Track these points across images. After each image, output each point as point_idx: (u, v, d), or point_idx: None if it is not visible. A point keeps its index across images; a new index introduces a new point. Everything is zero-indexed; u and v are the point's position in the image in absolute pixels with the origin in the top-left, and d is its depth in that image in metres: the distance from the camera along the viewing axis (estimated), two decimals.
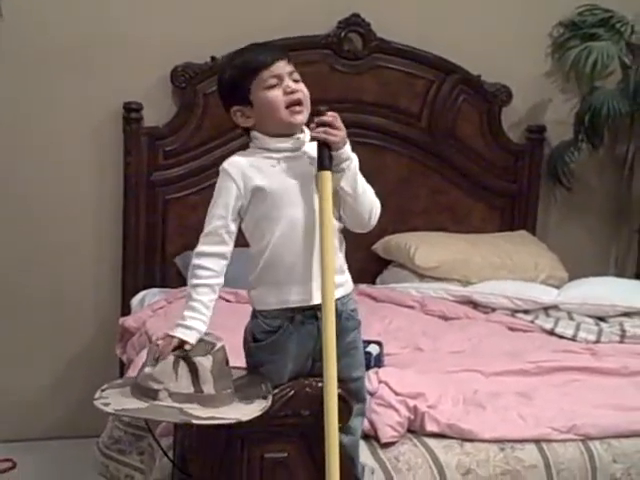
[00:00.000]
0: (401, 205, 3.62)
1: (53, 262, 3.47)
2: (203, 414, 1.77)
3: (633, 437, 2.19)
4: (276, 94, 1.89)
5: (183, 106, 3.46)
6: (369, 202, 1.95)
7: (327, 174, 1.88)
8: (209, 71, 3.45)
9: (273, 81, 1.89)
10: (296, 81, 1.92)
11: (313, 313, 1.90)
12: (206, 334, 1.87)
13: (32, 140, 3.39)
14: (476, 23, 3.71)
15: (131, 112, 3.40)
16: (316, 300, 1.89)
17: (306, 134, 1.94)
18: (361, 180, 1.94)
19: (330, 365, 1.81)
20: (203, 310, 1.87)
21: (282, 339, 1.91)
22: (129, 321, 3.03)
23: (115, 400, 1.82)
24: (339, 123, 1.89)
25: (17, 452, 3.29)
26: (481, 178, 3.78)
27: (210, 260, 1.93)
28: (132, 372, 2.48)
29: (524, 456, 2.10)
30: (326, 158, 1.88)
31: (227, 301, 3.10)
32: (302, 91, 1.91)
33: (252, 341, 1.94)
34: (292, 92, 1.89)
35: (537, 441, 2.14)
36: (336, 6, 3.54)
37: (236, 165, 1.92)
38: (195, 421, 1.76)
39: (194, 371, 1.80)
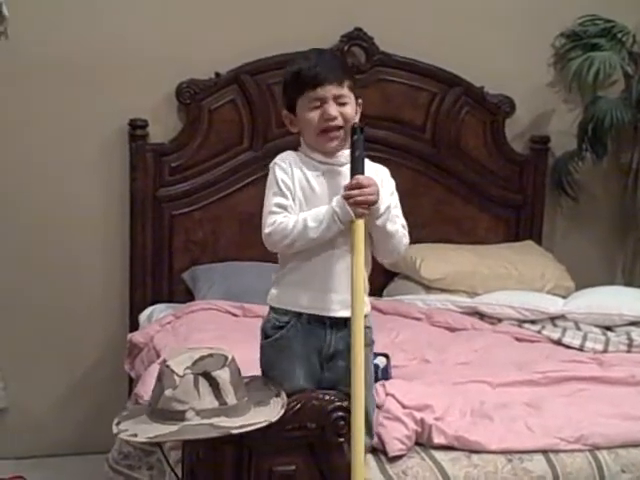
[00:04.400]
0: (406, 217, 3.57)
1: (60, 279, 3.48)
2: (234, 424, 1.80)
3: None
4: (313, 117, 1.91)
5: (188, 122, 3.49)
6: (397, 242, 1.99)
7: None
8: (213, 87, 3.48)
9: (315, 103, 1.91)
10: (342, 104, 1.92)
11: (320, 317, 1.94)
12: (211, 348, 1.90)
13: (38, 157, 3.41)
14: (478, 35, 3.72)
15: (137, 129, 3.42)
16: (328, 312, 1.93)
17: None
18: (391, 224, 1.96)
19: (358, 387, 1.83)
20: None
21: (288, 335, 1.94)
22: (137, 337, 3.04)
23: (138, 429, 1.83)
24: (368, 182, 1.88)
25: (27, 469, 3.30)
26: (486, 189, 3.79)
27: (282, 219, 1.92)
28: (141, 388, 2.49)
29: (532, 467, 2.09)
30: (360, 170, 1.90)
31: (234, 315, 3.11)
32: (343, 115, 1.91)
33: (263, 338, 1.99)
34: (329, 119, 1.90)
35: (545, 452, 2.13)
36: (339, 21, 3.56)
37: (287, 160, 1.95)
38: (233, 431, 1.78)
39: (215, 385, 1.82)
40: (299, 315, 1.95)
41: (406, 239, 2.03)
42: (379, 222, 1.93)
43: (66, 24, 3.36)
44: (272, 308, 2.00)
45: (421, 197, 3.68)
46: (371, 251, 2.01)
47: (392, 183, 2.06)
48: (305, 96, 1.91)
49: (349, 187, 1.87)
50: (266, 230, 1.92)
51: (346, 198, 1.87)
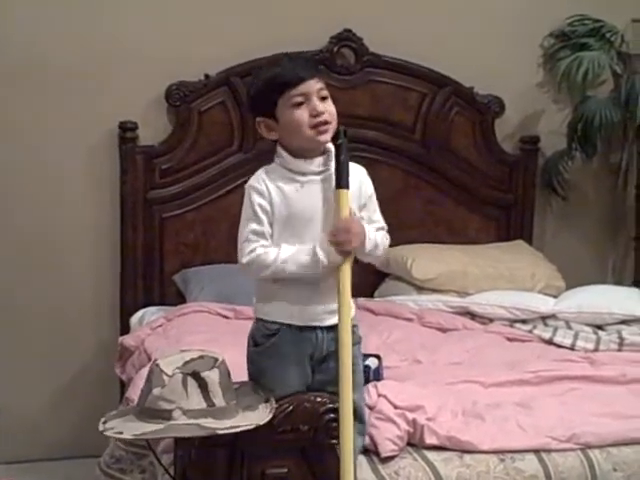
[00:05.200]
0: (396, 218, 3.59)
1: (50, 281, 3.47)
2: (221, 425, 1.79)
3: (633, 445, 2.19)
4: (301, 114, 1.88)
5: (178, 124, 3.48)
6: (380, 252, 2.00)
7: (345, 192, 1.89)
8: (203, 89, 3.48)
9: (299, 99, 1.89)
10: (324, 98, 1.91)
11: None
12: (203, 350, 1.89)
13: (28, 160, 3.40)
14: (467, 36, 3.73)
15: (126, 131, 3.42)
16: (320, 322, 1.93)
17: (331, 154, 1.94)
18: (378, 246, 1.97)
19: (346, 389, 1.83)
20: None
21: (280, 342, 1.93)
22: (128, 340, 3.03)
23: (125, 427, 1.83)
24: (354, 226, 1.88)
25: (18, 473, 3.29)
26: (476, 189, 3.80)
27: (260, 249, 1.92)
28: (132, 391, 2.49)
29: (524, 466, 2.10)
30: (344, 177, 1.89)
31: (225, 317, 3.11)
32: (328, 111, 1.90)
33: (253, 346, 1.98)
34: (318, 114, 1.88)
35: (537, 451, 2.13)
36: (328, 22, 3.56)
37: (262, 180, 1.92)
38: (220, 432, 1.78)
39: (204, 386, 1.82)
40: (289, 324, 1.94)
41: (387, 241, 2.02)
42: (365, 253, 1.95)
43: (55, 26, 3.36)
44: (260, 319, 1.98)
45: (411, 198, 3.68)
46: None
47: (370, 184, 2.03)
48: (286, 95, 1.88)
49: (335, 231, 1.86)
50: (243, 260, 1.91)
51: (333, 242, 1.85)
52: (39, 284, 3.47)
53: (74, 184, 3.46)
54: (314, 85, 1.90)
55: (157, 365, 1.85)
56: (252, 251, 1.90)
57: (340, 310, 1.87)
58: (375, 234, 1.98)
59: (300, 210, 1.90)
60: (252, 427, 1.80)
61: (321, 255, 1.87)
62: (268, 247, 1.90)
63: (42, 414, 3.52)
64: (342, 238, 1.86)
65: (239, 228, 1.94)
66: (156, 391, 1.81)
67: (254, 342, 1.98)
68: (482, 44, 3.74)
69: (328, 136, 1.91)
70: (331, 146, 1.94)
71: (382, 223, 2.04)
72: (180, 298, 3.39)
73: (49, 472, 3.38)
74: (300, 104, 1.89)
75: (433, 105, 3.71)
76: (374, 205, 2.03)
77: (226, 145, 3.55)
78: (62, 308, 3.50)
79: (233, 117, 3.52)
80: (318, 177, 1.93)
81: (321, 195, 1.91)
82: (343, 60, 3.61)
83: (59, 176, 3.44)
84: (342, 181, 1.89)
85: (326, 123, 1.90)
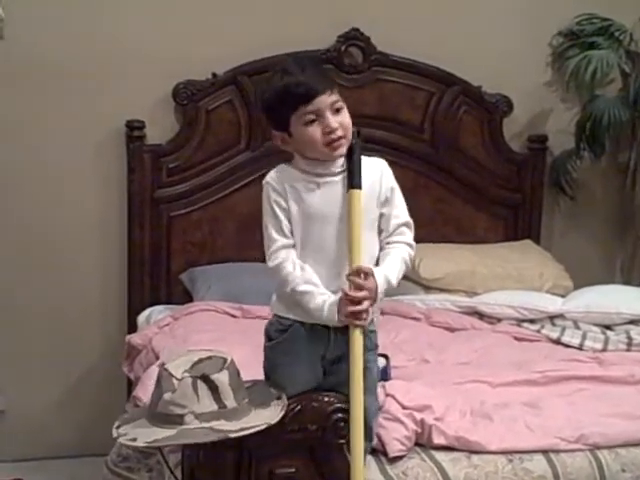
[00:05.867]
0: None
1: (58, 281, 3.48)
2: (233, 427, 1.79)
3: None
4: (314, 131, 1.85)
5: (185, 123, 3.48)
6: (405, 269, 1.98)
7: (357, 193, 1.87)
8: (211, 88, 3.48)
9: (312, 117, 1.85)
10: (338, 110, 1.87)
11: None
12: (211, 350, 1.89)
13: (36, 159, 3.40)
14: (475, 34, 3.72)
15: (134, 130, 3.42)
16: (335, 324, 1.90)
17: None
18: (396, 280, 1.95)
19: (357, 390, 1.83)
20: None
21: (291, 338, 1.93)
22: (135, 338, 3.03)
23: (138, 433, 1.82)
24: (360, 294, 1.84)
25: (26, 472, 3.29)
26: (484, 189, 3.79)
27: (289, 266, 1.90)
28: (140, 390, 2.48)
29: (532, 467, 2.09)
30: (356, 176, 1.87)
31: (232, 316, 3.10)
32: (342, 124, 1.86)
33: (267, 340, 1.98)
34: (331, 131, 1.85)
35: (545, 451, 2.12)
36: (336, 21, 3.56)
37: (279, 178, 1.91)
38: (232, 435, 1.77)
39: (214, 388, 1.81)
40: (302, 321, 1.93)
41: (412, 252, 1.98)
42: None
43: (63, 25, 3.36)
44: (276, 314, 1.99)
45: (419, 197, 3.67)
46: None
47: (391, 176, 1.99)
48: (299, 111, 1.84)
49: (345, 303, 1.84)
50: (270, 264, 1.91)
51: (343, 314, 1.84)
52: (46, 283, 3.47)
53: (81, 183, 3.46)
54: (326, 100, 1.85)
55: (166, 369, 1.84)
56: (278, 259, 1.90)
57: (351, 373, 1.85)
58: (397, 272, 1.93)
59: (318, 210, 1.89)
60: (264, 427, 1.79)
61: (327, 317, 1.87)
62: (294, 265, 1.88)
63: (49, 413, 3.52)
64: (351, 310, 1.84)
65: (263, 220, 1.94)
66: (167, 396, 1.81)
67: (268, 337, 1.99)
68: (490, 43, 3.73)
69: (343, 150, 1.88)
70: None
71: (405, 218, 1.99)
72: (187, 297, 3.39)
73: (56, 471, 3.38)
74: (313, 121, 1.85)
75: (441, 104, 3.70)
76: (397, 199, 1.99)
77: (234, 144, 3.54)
78: (69, 306, 3.50)
79: (241, 116, 3.52)
80: (336, 178, 1.91)
81: (335, 196, 1.90)
82: (350, 59, 3.60)
83: (67, 175, 3.44)
84: (355, 181, 1.87)
85: (340, 138, 1.86)
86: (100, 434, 2.07)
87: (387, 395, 2.22)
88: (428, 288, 3.41)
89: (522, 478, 2.07)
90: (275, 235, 1.90)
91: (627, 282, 3.88)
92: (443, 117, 3.70)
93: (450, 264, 3.43)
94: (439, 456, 2.08)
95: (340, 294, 1.86)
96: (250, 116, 3.50)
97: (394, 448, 2.06)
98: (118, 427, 1.87)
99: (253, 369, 2.01)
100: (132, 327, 3.38)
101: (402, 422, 2.11)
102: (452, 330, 3.09)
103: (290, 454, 1.92)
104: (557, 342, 2.99)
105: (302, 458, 1.92)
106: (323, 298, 1.88)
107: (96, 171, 3.47)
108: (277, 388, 1.94)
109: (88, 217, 3.48)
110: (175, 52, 3.43)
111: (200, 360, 1.87)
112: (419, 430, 2.12)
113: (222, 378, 1.82)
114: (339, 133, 1.86)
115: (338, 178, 1.91)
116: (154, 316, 3.27)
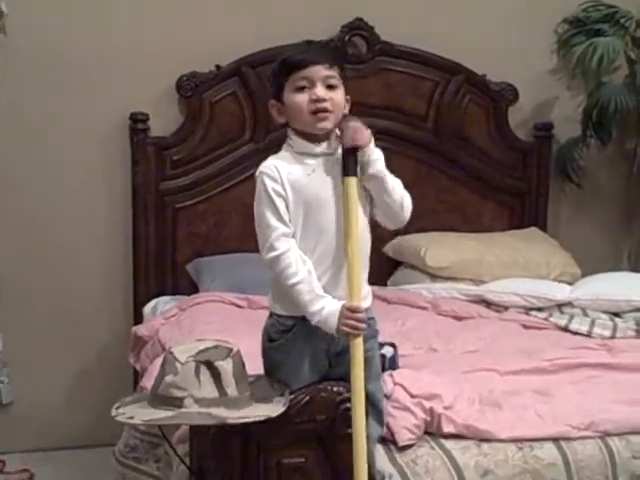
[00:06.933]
0: None
1: (64, 273, 3.48)
2: (232, 415, 1.78)
3: None
4: (302, 98, 1.85)
5: (189, 115, 3.47)
6: (399, 196, 1.93)
7: (352, 180, 1.85)
8: (214, 79, 3.47)
9: (303, 83, 1.85)
10: (331, 87, 1.86)
11: None
12: (218, 340, 1.88)
13: (40, 152, 3.40)
14: (480, 23, 3.70)
15: (138, 122, 3.41)
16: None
17: (336, 137, 1.89)
18: (389, 177, 1.91)
19: (357, 383, 1.82)
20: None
21: (295, 337, 1.91)
22: (142, 329, 3.03)
23: (137, 413, 1.82)
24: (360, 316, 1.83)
25: (34, 462, 3.31)
26: (490, 177, 3.77)
27: (290, 256, 1.86)
28: (146, 380, 2.48)
29: (543, 455, 2.08)
30: (351, 163, 1.85)
31: (238, 307, 3.10)
32: (332, 99, 1.86)
33: (268, 341, 1.95)
34: (317, 100, 1.84)
35: (555, 439, 2.11)
36: (339, 11, 3.54)
37: (273, 167, 1.88)
38: (230, 421, 1.77)
39: (216, 375, 1.81)
40: (304, 318, 1.89)
41: (408, 195, 1.95)
42: (374, 166, 1.87)
43: (66, 18, 3.35)
44: (275, 314, 1.95)
45: (425, 186, 3.66)
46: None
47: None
48: (292, 78, 1.86)
49: (346, 315, 1.81)
50: (269, 255, 1.85)
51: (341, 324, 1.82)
52: (52, 275, 3.47)
53: (86, 176, 3.45)
54: (320, 71, 1.86)
55: (171, 353, 1.85)
56: (277, 248, 1.84)
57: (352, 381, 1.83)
58: (390, 177, 1.90)
59: (313, 194, 1.87)
60: (263, 419, 1.78)
61: (322, 322, 1.84)
62: (295, 257, 1.84)
63: (57, 404, 3.53)
64: (350, 324, 1.82)
65: (256, 215, 1.90)
66: (168, 378, 1.81)
67: (269, 338, 1.94)
68: (495, 31, 3.71)
69: (327, 124, 1.87)
70: (337, 130, 1.90)
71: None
72: (193, 288, 3.39)
73: (64, 461, 3.39)
74: (303, 88, 1.86)
75: (446, 93, 3.68)
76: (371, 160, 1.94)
77: (238, 136, 3.53)
78: (76, 298, 3.50)
79: (244, 107, 3.51)
80: (328, 160, 1.89)
81: (330, 178, 1.88)
82: (355, 49, 3.59)
83: (71, 168, 3.44)
84: (349, 169, 1.85)
85: (325, 111, 1.85)
86: (108, 425, 2.06)
87: (395, 384, 2.21)
88: (434, 277, 3.40)
89: (532, 466, 2.06)
90: (275, 223, 1.85)
91: (635, 269, 3.86)
92: (448, 106, 3.69)
93: (456, 253, 3.42)
94: (449, 444, 2.07)
95: (340, 301, 1.84)
96: (254, 108, 3.49)
97: (403, 437, 2.05)
98: (118, 407, 1.87)
99: (258, 360, 2.00)
100: (138, 318, 3.38)
101: (411, 411, 2.10)
102: (459, 319, 3.08)
103: (299, 444, 1.91)
104: (565, 329, 2.98)
105: (311, 448, 1.92)
106: (322, 304, 1.84)
107: (100, 164, 3.46)
108: (280, 385, 1.91)
109: (93, 210, 3.48)
110: (178, 44, 3.42)
111: (207, 348, 1.87)
112: (428, 419, 2.11)
113: (226, 366, 1.82)
114: (326, 105, 1.85)
115: (328, 161, 1.89)
116: (160, 307, 3.27)
